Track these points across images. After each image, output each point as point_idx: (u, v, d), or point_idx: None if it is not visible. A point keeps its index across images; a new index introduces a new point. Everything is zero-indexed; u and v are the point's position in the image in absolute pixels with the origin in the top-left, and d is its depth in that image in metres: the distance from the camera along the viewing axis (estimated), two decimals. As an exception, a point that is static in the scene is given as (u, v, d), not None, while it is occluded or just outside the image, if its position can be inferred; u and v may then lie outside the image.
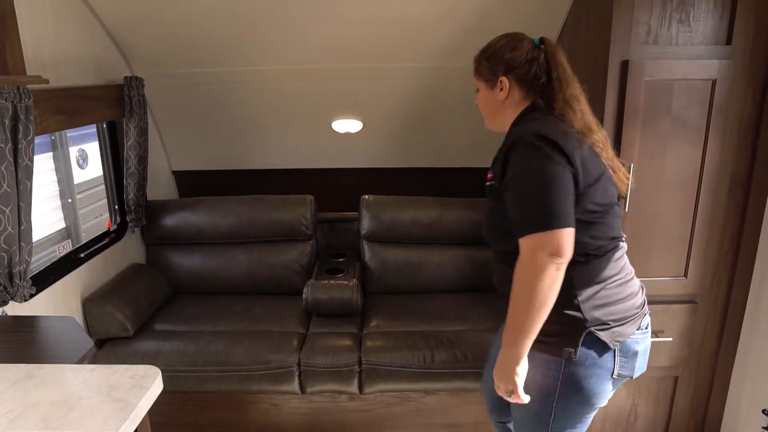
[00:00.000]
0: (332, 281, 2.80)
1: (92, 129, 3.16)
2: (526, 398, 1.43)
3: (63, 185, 4.25)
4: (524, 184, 1.34)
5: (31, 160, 2.01)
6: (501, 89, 1.50)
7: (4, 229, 1.92)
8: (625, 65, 2.06)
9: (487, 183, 1.49)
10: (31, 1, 2.17)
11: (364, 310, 2.92)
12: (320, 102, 3.14)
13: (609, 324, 1.42)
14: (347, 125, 3.22)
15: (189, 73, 3.00)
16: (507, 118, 1.53)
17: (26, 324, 2.00)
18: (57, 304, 2.40)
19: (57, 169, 4.27)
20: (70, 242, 4.08)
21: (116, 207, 3.00)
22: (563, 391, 1.46)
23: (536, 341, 1.37)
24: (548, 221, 1.30)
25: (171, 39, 2.77)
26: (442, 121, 3.20)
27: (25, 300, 2.09)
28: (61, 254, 2.59)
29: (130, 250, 3.03)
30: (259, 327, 2.72)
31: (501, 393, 1.45)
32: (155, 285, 2.96)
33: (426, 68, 2.94)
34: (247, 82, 3.04)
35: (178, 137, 3.39)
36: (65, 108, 2.29)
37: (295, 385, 2.51)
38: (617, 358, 1.45)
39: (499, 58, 1.49)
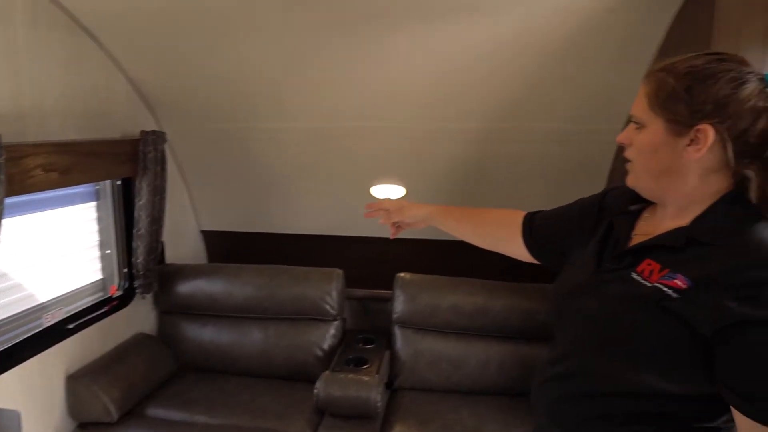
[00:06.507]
0: (350, 375, 2.36)
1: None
2: None
3: (103, 236, 4.15)
4: None
5: (-3, 224, 1.77)
6: (692, 142, 0.91)
7: (-47, 302, 1.67)
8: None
9: (669, 291, 0.90)
10: (37, 53, 2.00)
11: (388, 409, 2.46)
12: (359, 164, 2.82)
13: None
14: (388, 191, 2.86)
15: (220, 128, 2.78)
16: (684, 190, 0.95)
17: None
18: (32, 382, 2.12)
19: (99, 219, 4.17)
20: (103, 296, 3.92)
21: (125, 271, 2.75)
22: None
23: None
24: None
25: (201, 93, 2.58)
26: (494, 190, 2.78)
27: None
28: (49, 324, 2.33)
29: (137, 318, 2.75)
30: (261, 423, 2.32)
31: None
32: (158, 360, 2.64)
33: (481, 130, 2.56)
34: (281, 140, 2.78)
35: (208, 196, 3.16)
36: (57, 165, 2.07)
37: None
38: None
39: (710, 94, 0.89)
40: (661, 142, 0.94)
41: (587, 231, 1.15)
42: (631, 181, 1.03)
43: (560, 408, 1.05)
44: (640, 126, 0.97)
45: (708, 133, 0.89)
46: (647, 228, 1.02)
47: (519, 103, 2.38)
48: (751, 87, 0.89)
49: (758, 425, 0.84)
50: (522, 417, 2.35)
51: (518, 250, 1.32)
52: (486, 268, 2.75)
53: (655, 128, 0.95)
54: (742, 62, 0.93)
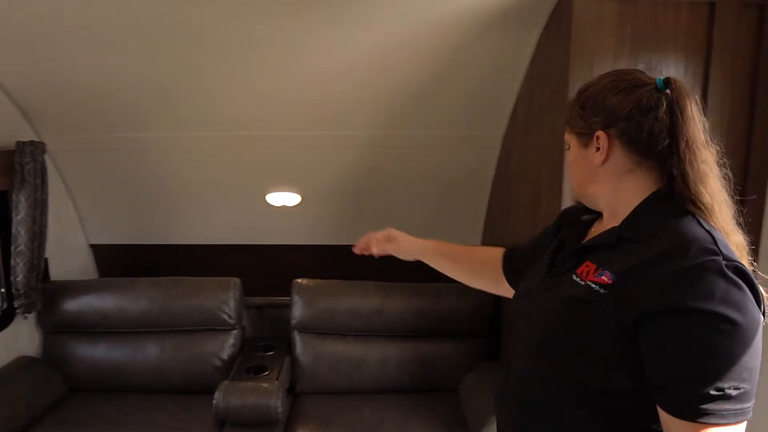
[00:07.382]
0: (249, 383, 2.37)
1: None
2: None
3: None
4: (726, 341, 0.83)
5: None
6: (597, 149, 1.02)
7: None
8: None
9: (597, 287, 0.94)
10: None
11: (290, 414, 2.48)
12: (253, 172, 2.82)
13: None
14: (284, 198, 2.89)
15: (106, 138, 2.69)
16: (606, 193, 1.05)
17: None
18: None
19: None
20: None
21: (2, 291, 2.59)
22: None
23: None
24: (746, 408, 0.85)
25: (83, 102, 2.48)
26: (388, 195, 2.89)
27: None
28: None
29: (18, 340, 2.59)
30: (158, 439, 2.27)
31: None
32: (44, 383, 2.51)
33: (370, 137, 2.64)
34: (171, 149, 2.73)
35: (97, 208, 3.04)
36: None
37: None
38: None
39: (598, 105, 1.01)
40: (578, 155, 1.08)
41: (546, 246, 1.22)
42: (575, 193, 1.15)
43: (523, 414, 1.05)
44: (567, 148, 1.12)
45: (603, 138, 1.01)
46: (595, 234, 1.10)
47: (401, 110, 2.47)
48: (637, 91, 0.98)
49: (674, 419, 0.85)
50: (420, 411, 2.46)
51: (503, 287, 1.38)
52: (380, 270, 2.85)
53: (573, 145, 1.09)
54: (629, 72, 1.03)
